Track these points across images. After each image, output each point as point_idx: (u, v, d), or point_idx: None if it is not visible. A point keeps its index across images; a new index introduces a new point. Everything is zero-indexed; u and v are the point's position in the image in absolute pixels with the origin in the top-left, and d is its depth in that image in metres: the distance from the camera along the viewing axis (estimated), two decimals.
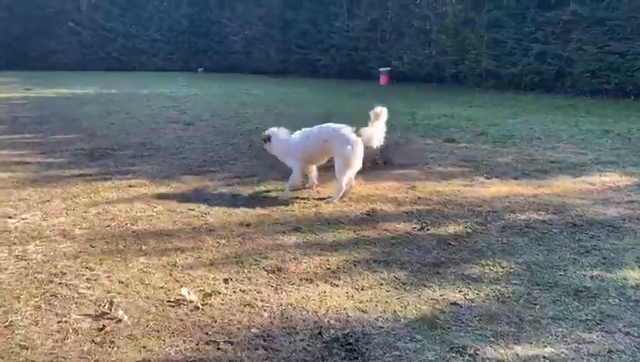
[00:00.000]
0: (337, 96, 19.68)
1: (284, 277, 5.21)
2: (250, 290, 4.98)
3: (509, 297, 4.82)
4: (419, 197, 7.57)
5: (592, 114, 15.18)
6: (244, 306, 4.70)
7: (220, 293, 4.93)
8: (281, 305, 4.71)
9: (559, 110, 15.89)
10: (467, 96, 19.73)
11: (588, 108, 16.33)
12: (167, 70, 32.52)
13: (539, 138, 11.78)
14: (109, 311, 4.51)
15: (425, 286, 5.05)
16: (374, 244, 5.95)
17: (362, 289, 4.97)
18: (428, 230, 6.38)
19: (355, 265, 5.47)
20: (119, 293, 4.90)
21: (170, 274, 5.29)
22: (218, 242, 5.99)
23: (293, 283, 5.10)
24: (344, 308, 4.65)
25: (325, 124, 6.88)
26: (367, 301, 4.76)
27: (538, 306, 4.64)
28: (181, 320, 4.48)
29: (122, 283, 5.11)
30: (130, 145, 10.95)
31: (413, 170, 8.97)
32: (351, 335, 4.21)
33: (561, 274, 5.24)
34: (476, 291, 4.94)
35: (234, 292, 4.97)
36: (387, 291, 4.96)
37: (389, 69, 24.86)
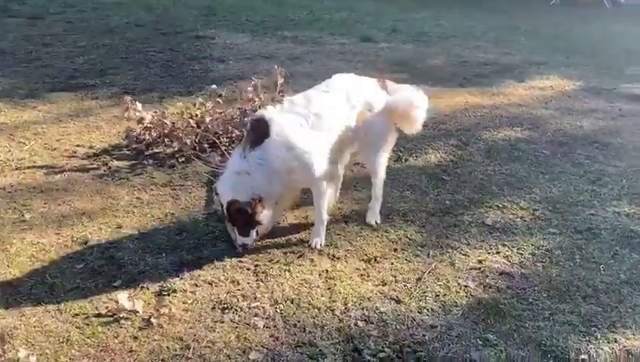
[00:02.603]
0: None
1: (263, 255, 3.63)
2: (220, 281, 3.34)
3: (558, 255, 3.74)
4: None
5: (492, 9, 14.55)
6: (222, 310, 3.08)
7: (177, 291, 3.22)
8: (276, 302, 3.17)
9: (447, 4, 14.94)
10: None
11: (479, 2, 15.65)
12: None
13: (454, 36, 10.80)
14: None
15: (451, 247, 3.79)
16: (356, 188, 4.48)
17: (375, 261, 3.57)
18: (406, 160, 5.04)
19: (346, 222, 4.01)
20: (7, 308, 3.01)
21: (85, 262, 3.44)
22: (140, 198, 4.18)
23: (276, 262, 3.55)
24: (367, 298, 3.24)
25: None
26: (390, 281, 3.40)
27: (601, 266, 3.61)
28: (129, 352, 2.78)
29: (10, 287, 3.18)
30: None
31: None
32: (398, 348, 2.83)
33: (592, 214, 4.29)
34: (517, 250, 3.81)
35: (196, 286, 3.29)
36: (408, 261, 3.61)
37: None
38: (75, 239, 3.69)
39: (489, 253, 3.76)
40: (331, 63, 7.95)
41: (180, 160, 4.85)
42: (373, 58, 8.68)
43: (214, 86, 5.63)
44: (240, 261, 3.57)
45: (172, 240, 3.74)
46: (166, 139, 5.05)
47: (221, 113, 5.30)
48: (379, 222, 4.03)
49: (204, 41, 8.91)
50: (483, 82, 7.73)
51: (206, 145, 5.10)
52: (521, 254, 3.76)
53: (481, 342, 2.97)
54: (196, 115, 5.19)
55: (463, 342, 2.95)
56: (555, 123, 6.25)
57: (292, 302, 3.21)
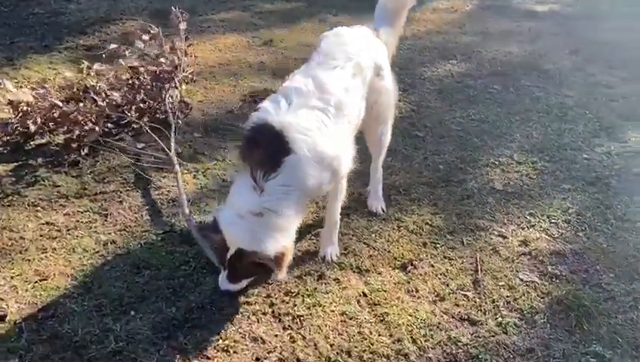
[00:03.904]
0: None
1: (270, 285, 2.67)
2: (237, 343, 2.36)
3: (591, 218, 3.35)
4: (282, 55, 5.26)
5: None
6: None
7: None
8: (330, 360, 2.29)
9: None
10: None
11: None
12: None
13: None
14: None
15: (480, 228, 3.21)
16: None
17: (413, 267, 2.85)
18: None
19: (347, 215, 3.16)
20: None
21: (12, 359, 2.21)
22: (52, 224, 2.88)
23: (294, 295, 2.63)
24: (436, 326, 2.52)
25: None
26: (447, 293, 2.72)
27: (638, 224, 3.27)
28: None
29: None
30: None
31: (233, 34, 6.24)
32: None
33: (587, 158, 4.01)
34: (549, 219, 3.32)
35: (208, 359, 2.28)
36: (447, 258, 2.93)
37: None
38: None
39: (524, 229, 3.20)
40: None
41: (82, 152, 3.48)
42: None
43: (113, 46, 4.10)
44: (246, 301, 2.56)
45: (133, 287, 2.59)
46: (52, 125, 3.59)
47: (116, 78, 3.92)
48: (384, 208, 3.21)
49: None
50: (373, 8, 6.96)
51: (110, 126, 3.75)
52: (556, 224, 3.27)
53: (593, 359, 2.40)
54: (90, 86, 3.75)
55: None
56: (484, 51, 5.83)
57: (350, 356, 2.34)
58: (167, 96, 3.95)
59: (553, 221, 3.28)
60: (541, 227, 3.22)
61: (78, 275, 2.63)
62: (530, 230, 3.19)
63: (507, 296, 2.72)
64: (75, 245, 2.81)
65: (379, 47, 2.97)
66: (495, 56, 5.70)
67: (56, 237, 2.85)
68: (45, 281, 2.58)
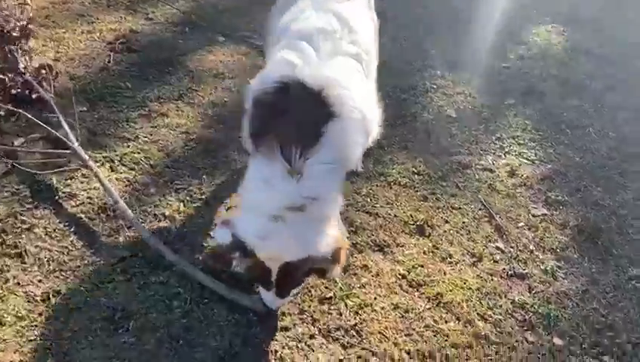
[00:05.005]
0: None
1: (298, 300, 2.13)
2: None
3: (557, 139, 3.29)
4: None
5: None
6: None
7: None
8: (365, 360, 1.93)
9: None
10: None
11: None
12: None
13: None
14: None
15: (466, 166, 2.96)
16: None
17: (431, 228, 2.50)
18: None
19: None
20: None
21: None
22: None
23: (326, 300, 2.16)
24: (489, 294, 2.25)
25: None
26: (491, 254, 2.43)
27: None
28: None
29: None
30: None
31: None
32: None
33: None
34: (517, 142, 3.21)
35: None
36: (457, 209, 2.65)
37: None
38: None
39: (502, 157, 3.07)
40: None
41: None
42: None
43: None
44: (284, 327, 1.99)
45: (121, 352, 1.83)
46: None
47: None
48: (361, 165, 2.78)
49: None
50: None
51: None
52: (525, 144, 3.19)
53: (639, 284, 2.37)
54: None
55: None
56: None
57: (434, 358, 1.97)
58: (23, 60, 2.83)
59: (521, 142, 3.17)
60: (515, 151, 3.09)
61: (26, 359, 1.76)
62: (509, 157, 3.03)
63: (533, 238, 2.54)
64: (0, 314, 1.87)
65: None
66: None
67: None
68: None
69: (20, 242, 2.14)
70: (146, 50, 3.54)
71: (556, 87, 3.67)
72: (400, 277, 2.25)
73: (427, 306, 2.15)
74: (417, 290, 2.21)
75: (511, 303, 2.22)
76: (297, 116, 1.68)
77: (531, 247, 2.48)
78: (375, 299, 2.14)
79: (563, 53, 4.16)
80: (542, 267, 2.40)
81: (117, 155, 2.63)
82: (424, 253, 2.37)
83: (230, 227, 1.74)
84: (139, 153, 2.68)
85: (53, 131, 2.51)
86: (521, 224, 2.60)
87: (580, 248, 2.52)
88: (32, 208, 2.30)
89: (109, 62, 3.35)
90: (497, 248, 2.46)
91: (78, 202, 2.36)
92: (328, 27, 1.86)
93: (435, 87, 3.52)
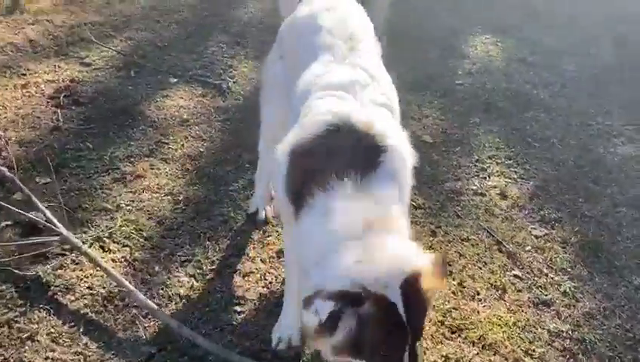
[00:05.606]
0: None
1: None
2: None
3: (528, 153, 3.42)
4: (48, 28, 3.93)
5: None
6: None
7: None
8: None
9: None
10: None
11: None
12: None
13: None
14: None
15: (456, 192, 2.98)
16: None
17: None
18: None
19: None
20: None
21: None
22: None
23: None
24: (526, 327, 2.29)
25: None
26: (501, 280, 2.47)
27: None
28: None
29: None
30: None
31: None
32: None
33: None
34: (496, 161, 3.28)
35: None
36: (462, 241, 2.68)
37: None
38: None
39: (486, 179, 3.12)
40: None
41: None
42: None
43: None
44: None
45: None
46: None
47: None
48: None
49: None
50: None
51: None
52: (503, 163, 3.25)
53: None
54: None
55: None
56: None
57: None
58: None
59: (499, 161, 3.25)
60: (497, 172, 3.15)
61: None
62: (493, 178, 3.09)
63: (544, 260, 2.60)
64: None
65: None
66: None
67: None
68: None
69: (24, 356, 1.84)
70: (94, 101, 3.24)
71: (510, 100, 3.81)
72: (439, 324, 2.20)
73: (475, 351, 2.12)
74: (459, 336, 2.17)
75: (547, 333, 2.24)
76: (351, 153, 1.61)
77: (545, 271, 2.53)
78: (425, 352, 2.07)
79: (504, 64, 4.33)
80: (560, 289, 2.45)
81: (104, 232, 2.37)
82: (453, 293, 2.34)
83: (321, 296, 1.47)
84: (127, 226, 2.42)
85: (27, 215, 2.19)
86: (528, 248, 2.64)
87: (586, 264, 2.60)
88: (26, 311, 2.00)
89: (57, 120, 3.03)
90: (515, 276, 2.48)
91: (77, 295, 2.10)
92: (361, 80, 1.81)
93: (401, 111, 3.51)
